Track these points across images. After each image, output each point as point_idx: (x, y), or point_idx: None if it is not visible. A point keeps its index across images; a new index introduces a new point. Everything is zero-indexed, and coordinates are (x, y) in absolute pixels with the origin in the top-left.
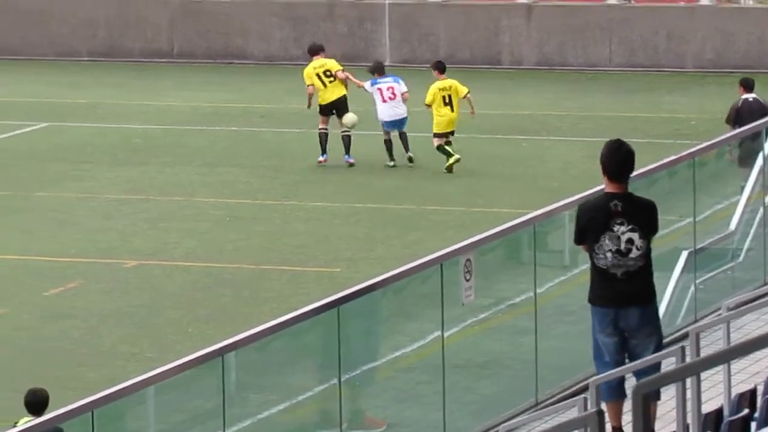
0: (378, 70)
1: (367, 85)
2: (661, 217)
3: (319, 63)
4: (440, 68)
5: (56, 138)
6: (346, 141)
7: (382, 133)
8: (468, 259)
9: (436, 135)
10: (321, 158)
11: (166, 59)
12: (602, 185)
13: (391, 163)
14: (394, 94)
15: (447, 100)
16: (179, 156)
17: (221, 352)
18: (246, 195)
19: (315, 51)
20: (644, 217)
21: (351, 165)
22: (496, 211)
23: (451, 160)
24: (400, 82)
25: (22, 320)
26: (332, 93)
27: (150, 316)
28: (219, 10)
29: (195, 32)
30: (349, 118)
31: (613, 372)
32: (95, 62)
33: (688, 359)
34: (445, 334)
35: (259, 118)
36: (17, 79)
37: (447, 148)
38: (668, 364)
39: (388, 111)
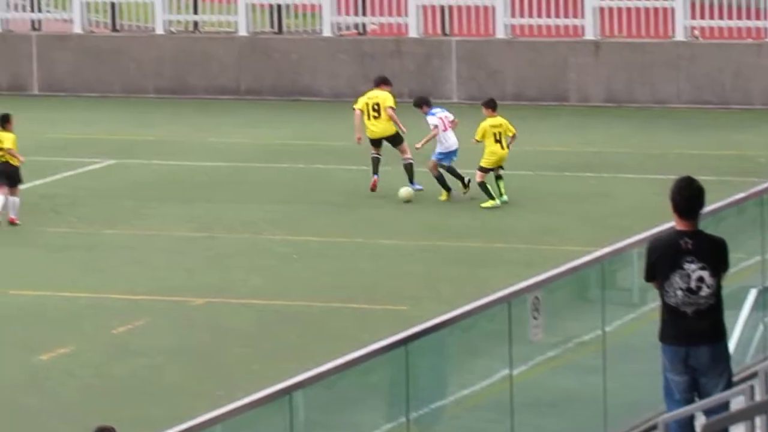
0: (427, 103)
1: (431, 120)
2: (730, 255)
3: (374, 94)
4: (492, 106)
5: (124, 175)
6: (409, 170)
7: (429, 168)
8: (536, 297)
9: (482, 169)
10: (373, 178)
11: (233, 96)
12: (671, 222)
13: (465, 185)
14: (450, 122)
15: (498, 137)
16: (246, 193)
17: (289, 390)
18: (313, 232)
19: (377, 83)
20: (715, 254)
21: (420, 190)
22: (564, 248)
23: (490, 204)
24: (446, 111)
25: (90, 358)
26: (377, 128)
27: (217, 353)
28: (286, 47)
29: (262, 69)
30: (404, 192)
31: (683, 410)
32: (162, 99)
33: (757, 398)
34: (513, 372)
35: (325, 156)
36: (87, 116)
37: (489, 187)
38: (737, 403)
39: (449, 140)
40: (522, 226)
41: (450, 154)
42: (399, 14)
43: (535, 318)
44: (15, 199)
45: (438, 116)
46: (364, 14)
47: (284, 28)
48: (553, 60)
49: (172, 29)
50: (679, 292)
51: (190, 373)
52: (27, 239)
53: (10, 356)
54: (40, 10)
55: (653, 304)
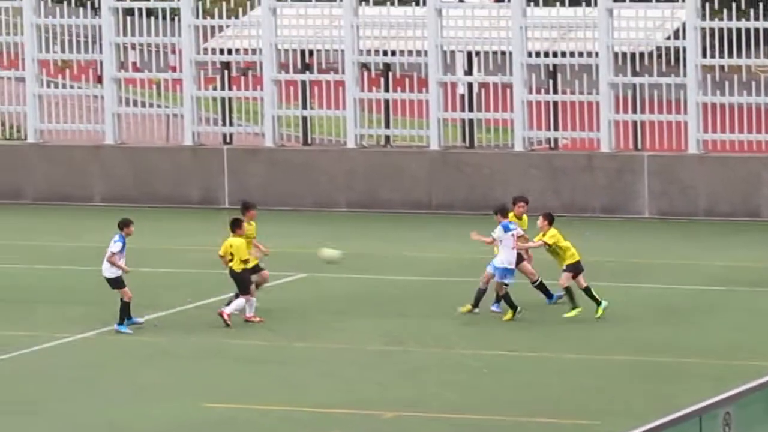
0: (506, 214)
1: (505, 233)
2: None
3: None
4: (552, 220)
5: (315, 288)
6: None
7: (491, 282)
8: (727, 412)
9: (571, 269)
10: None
11: (425, 210)
12: None
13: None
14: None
15: (565, 238)
16: (438, 307)
17: None
18: (503, 346)
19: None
20: None
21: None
22: (756, 364)
23: (574, 313)
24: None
25: None
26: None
27: None
28: (477, 161)
29: (453, 183)
30: (327, 253)
31: None
32: (353, 213)
33: None
34: None
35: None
36: (278, 229)
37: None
38: None
39: (513, 257)
40: (713, 341)
41: (513, 271)
42: (591, 129)
43: None
44: (239, 301)
45: (512, 234)
46: (555, 129)
47: (476, 143)
48: (746, 175)
49: (364, 143)
50: None
51: None
52: (220, 352)
53: None
54: (231, 124)
55: None
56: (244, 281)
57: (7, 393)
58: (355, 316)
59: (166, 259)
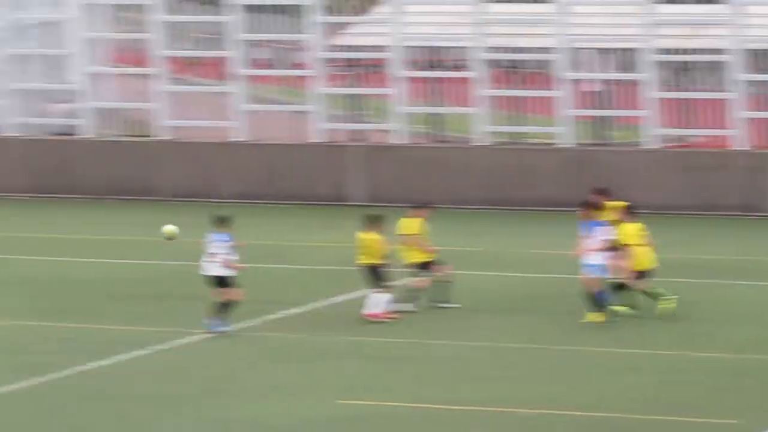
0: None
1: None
2: None
3: None
4: (633, 213)
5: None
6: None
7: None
8: None
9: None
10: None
11: (555, 207)
12: None
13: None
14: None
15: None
16: (573, 305)
17: None
18: (637, 345)
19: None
20: None
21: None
22: None
23: (664, 305)
24: None
25: None
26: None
27: None
28: (609, 159)
29: (585, 181)
30: (168, 229)
31: None
32: (485, 210)
33: None
34: None
35: None
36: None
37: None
38: None
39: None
40: None
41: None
42: (725, 126)
43: None
44: (381, 296)
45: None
46: (689, 126)
47: (608, 140)
48: None
49: (495, 140)
50: None
51: None
52: (354, 349)
53: None
54: (363, 122)
55: None
56: (378, 275)
57: (149, 388)
58: (493, 314)
59: (297, 256)
